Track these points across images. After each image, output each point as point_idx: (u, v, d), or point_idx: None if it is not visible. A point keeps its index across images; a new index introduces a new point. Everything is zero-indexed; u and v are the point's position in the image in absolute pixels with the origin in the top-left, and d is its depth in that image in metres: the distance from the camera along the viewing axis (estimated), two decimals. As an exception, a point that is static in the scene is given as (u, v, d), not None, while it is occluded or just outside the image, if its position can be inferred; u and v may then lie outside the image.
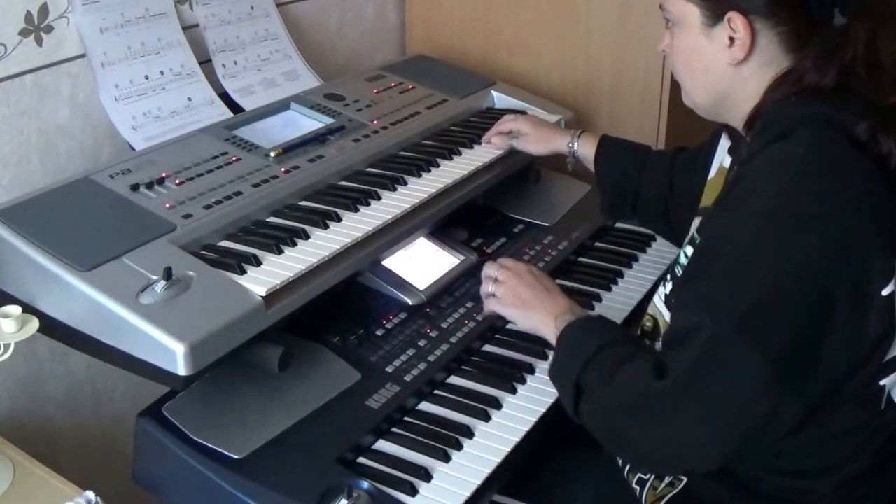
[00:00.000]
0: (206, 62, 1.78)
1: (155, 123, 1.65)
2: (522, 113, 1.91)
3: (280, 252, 1.37)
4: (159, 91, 1.69)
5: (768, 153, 1.19)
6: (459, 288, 1.64)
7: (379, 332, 1.51)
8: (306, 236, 1.42)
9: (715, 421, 1.14)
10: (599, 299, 1.68)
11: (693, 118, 1.42)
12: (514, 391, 1.44)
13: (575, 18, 2.09)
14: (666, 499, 1.35)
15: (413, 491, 1.25)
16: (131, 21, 1.67)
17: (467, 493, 1.26)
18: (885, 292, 1.15)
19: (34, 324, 1.23)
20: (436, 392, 1.43)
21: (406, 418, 1.38)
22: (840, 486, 1.25)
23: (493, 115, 1.91)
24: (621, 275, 1.76)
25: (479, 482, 1.27)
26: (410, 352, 1.48)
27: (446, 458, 1.30)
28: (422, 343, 1.50)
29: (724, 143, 1.47)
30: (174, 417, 1.30)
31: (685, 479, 1.32)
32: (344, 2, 2.19)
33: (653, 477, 1.35)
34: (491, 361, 1.51)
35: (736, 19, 1.23)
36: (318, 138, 1.67)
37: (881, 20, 1.19)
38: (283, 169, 1.55)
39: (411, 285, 1.59)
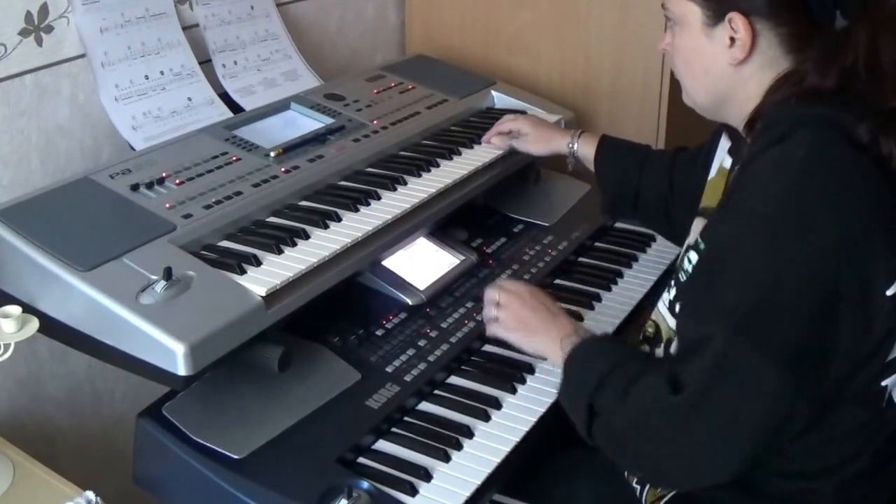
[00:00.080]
0: (206, 62, 1.78)
1: (155, 123, 1.65)
2: (522, 113, 1.91)
3: (280, 252, 1.37)
4: (159, 91, 1.69)
5: (769, 155, 1.19)
6: (459, 288, 1.64)
7: (379, 332, 1.51)
8: (306, 236, 1.42)
9: (733, 431, 1.14)
10: (599, 299, 1.68)
11: (693, 118, 1.42)
12: (514, 391, 1.44)
13: (575, 18, 2.09)
14: (666, 498, 1.35)
15: (413, 491, 1.25)
16: (131, 21, 1.67)
17: (467, 493, 1.26)
18: (889, 292, 1.15)
19: (34, 324, 1.23)
20: (436, 392, 1.43)
21: (406, 418, 1.38)
22: (840, 486, 1.26)
23: (493, 115, 1.91)
24: (621, 275, 1.76)
25: (479, 482, 1.27)
26: (410, 352, 1.48)
27: (446, 458, 1.30)
28: (422, 343, 1.50)
29: (724, 143, 1.47)
30: (174, 417, 1.30)
31: (685, 480, 1.32)
32: (344, 2, 2.19)
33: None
34: (491, 361, 1.51)
35: (737, 20, 1.23)
36: (318, 138, 1.67)
37: (882, 23, 1.19)
38: (283, 169, 1.55)
39: (411, 285, 1.59)
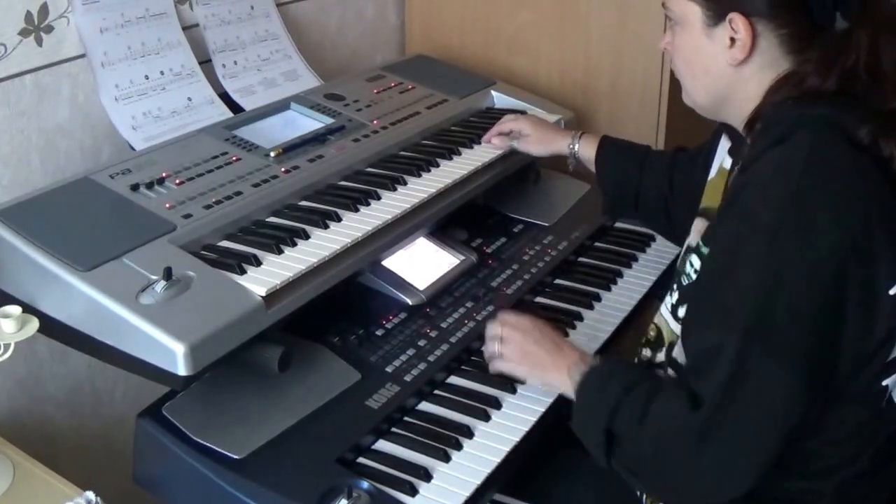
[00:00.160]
0: (206, 62, 1.78)
1: (155, 123, 1.65)
2: (522, 113, 1.91)
3: (280, 252, 1.37)
4: (159, 91, 1.69)
5: (770, 157, 1.19)
6: (459, 288, 1.64)
7: (379, 332, 1.51)
8: (306, 236, 1.42)
9: (756, 440, 1.14)
10: (599, 299, 1.68)
11: (693, 118, 1.42)
12: (514, 391, 1.43)
13: (575, 18, 2.09)
14: (666, 499, 1.35)
15: (413, 491, 1.25)
16: (131, 21, 1.67)
17: (467, 493, 1.26)
18: (891, 292, 1.15)
19: (34, 324, 1.23)
20: (436, 392, 1.44)
21: (406, 418, 1.38)
22: (840, 486, 1.26)
23: (492, 115, 1.91)
24: (621, 275, 1.76)
25: (479, 482, 1.27)
26: (410, 352, 1.48)
27: (446, 458, 1.30)
28: (422, 343, 1.50)
29: (724, 143, 1.47)
30: (174, 417, 1.30)
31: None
32: (344, 2, 2.19)
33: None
34: (491, 361, 1.51)
35: (737, 20, 1.23)
36: (318, 138, 1.67)
37: (883, 26, 1.19)
38: (283, 169, 1.55)
39: (411, 285, 1.59)
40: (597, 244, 1.87)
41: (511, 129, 1.80)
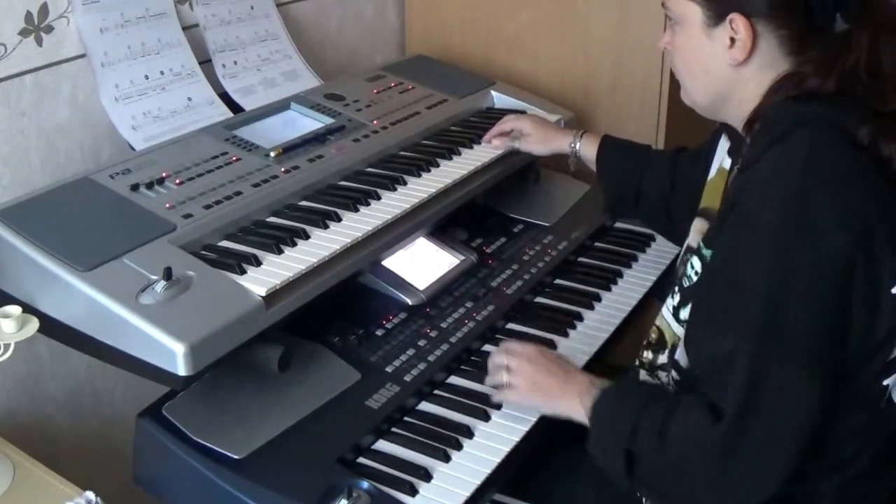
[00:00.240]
0: (206, 62, 1.78)
1: (155, 123, 1.65)
2: (523, 113, 1.91)
3: (280, 252, 1.37)
4: (159, 91, 1.69)
5: (769, 157, 1.19)
6: (459, 288, 1.64)
7: (379, 332, 1.51)
8: (306, 236, 1.42)
9: (780, 446, 1.15)
10: (599, 299, 1.68)
11: (693, 118, 1.42)
12: (514, 391, 1.44)
13: (575, 18, 2.09)
14: (666, 498, 1.35)
15: (413, 491, 1.25)
16: (131, 21, 1.67)
17: (467, 493, 1.26)
18: (894, 290, 1.15)
19: (34, 324, 1.23)
20: (436, 392, 1.44)
21: (406, 418, 1.38)
22: (840, 486, 1.25)
23: (492, 115, 1.91)
24: (621, 275, 1.76)
25: (479, 482, 1.27)
26: (410, 352, 1.48)
27: (446, 458, 1.30)
28: (422, 343, 1.50)
29: (724, 143, 1.47)
30: (174, 417, 1.30)
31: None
32: (344, 2, 2.19)
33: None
34: (491, 361, 1.51)
35: (738, 21, 1.23)
36: (318, 138, 1.67)
37: (883, 26, 1.19)
38: (283, 169, 1.55)
39: (411, 285, 1.59)
40: (597, 244, 1.87)
41: (512, 129, 1.80)
